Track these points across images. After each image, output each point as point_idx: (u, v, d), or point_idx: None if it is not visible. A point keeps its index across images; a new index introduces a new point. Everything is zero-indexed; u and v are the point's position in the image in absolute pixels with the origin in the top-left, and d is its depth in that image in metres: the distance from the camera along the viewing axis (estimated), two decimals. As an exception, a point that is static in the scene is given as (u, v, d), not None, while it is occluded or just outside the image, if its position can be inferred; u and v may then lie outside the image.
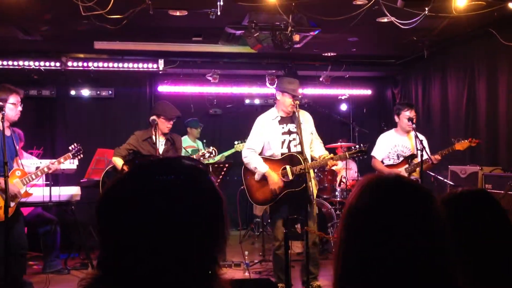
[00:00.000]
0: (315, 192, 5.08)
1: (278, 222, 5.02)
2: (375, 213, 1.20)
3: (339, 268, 1.24)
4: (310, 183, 4.80)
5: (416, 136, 5.52)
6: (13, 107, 4.69)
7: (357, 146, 5.14)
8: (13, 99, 4.70)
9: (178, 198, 1.04)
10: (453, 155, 5.82)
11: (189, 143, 8.05)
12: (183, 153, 6.62)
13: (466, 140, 5.63)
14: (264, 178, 5.01)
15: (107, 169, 5.94)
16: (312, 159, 5.12)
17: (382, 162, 5.96)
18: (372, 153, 6.02)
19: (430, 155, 5.46)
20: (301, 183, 4.87)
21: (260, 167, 5.00)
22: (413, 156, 5.74)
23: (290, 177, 4.94)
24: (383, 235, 1.17)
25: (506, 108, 6.29)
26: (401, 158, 5.83)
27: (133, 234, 1.02)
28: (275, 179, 4.94)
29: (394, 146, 5.90)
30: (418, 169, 5.59)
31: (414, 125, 5.66)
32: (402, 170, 5.66)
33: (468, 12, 5.28)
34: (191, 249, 1.03)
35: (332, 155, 5.01)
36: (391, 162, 5.90)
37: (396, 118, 5.95)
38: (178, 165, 1.10)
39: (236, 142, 7.55)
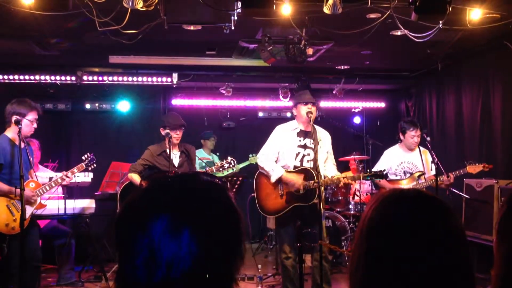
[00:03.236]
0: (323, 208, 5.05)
1: (284, 235, 5.04)
2: (395, 227, 1.19)
3: (357, 282, 1.23)
4: (320, 198, 4.80)
5: (430, 150, 5.49)
6: (29, 123, 4.75)
7: (374, 170, 5.15)
8: (32, 116, 4.77)
9: (195, 214, 1.05)
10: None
11: (203, 155, 8.10)
12: (197, 164, 6.66)
13: (479, 164, 5.61)
14: (277, 185, 5.01)
15: (124, 185, 5.97)
16: (324, 177, 5.12)
17: (386, 177, 5.93)
18: (374, 168, 5.99)
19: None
20: (311, 198, 4.89)
21: (277, 170, 5.01)
22: (421, 173, 5.72)
23: (302, 191, 4.93)
24: (403, 249, 1.16)
25: (522, 120, 6.24)
26: (408, 175, 5.80)
27: (150, 249, 1.02)
28: (294, 178, 4.93)
29: (401, 163, 5.87)
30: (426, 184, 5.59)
31: (428, 138, 5.63)
32: (406, 186, 5.62)
33: (482, 25, 5.25)
34: (208, 266, 1.03)
35: (346, 174, 5.01)
36: (397, 178, 5.86)
37: (401, 136, 5.93)
38: (196, 181, 1.11)
39: (250, 155, 7.57)
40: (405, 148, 5.92)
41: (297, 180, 4.91)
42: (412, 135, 5.79)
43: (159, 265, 1.01)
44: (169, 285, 1.01)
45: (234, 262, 1.08)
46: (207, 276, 1.03)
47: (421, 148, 5.85)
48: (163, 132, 5.60)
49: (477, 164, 5.63)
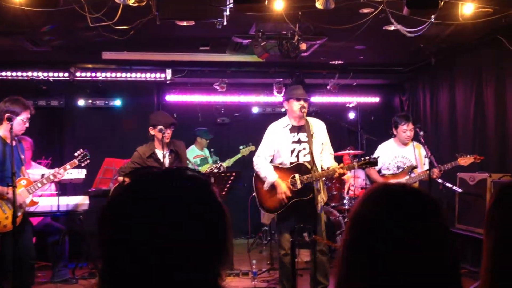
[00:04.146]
0: (323, 201, 5.07)
1: (284, 231, 5.04)
2: (379, 220, 1.20)
3: (341, 272, 1.24)
4: (318, 192, 4.81)
5: (423, 144, 5.50)
6: (21, 122, 4.73)
7: (367, 157, 4.98)
8: (24, 115, 4.75)
9: (178, 209, 1.04)
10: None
11: (197, 153, 8.05)
12: (190, 165, 6.58)
13: (470, 156, 5.63)
14: (273, 187, 5.01)
15: (117, 184, 5.92)
16: (321, 169, 5.12)
17: (379, 171, 5.94)
18: None
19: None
20: (309, 192, 4.88)
21: (269, 176, 5.01)
22: (413, 167, 5.73)
23: (299, 186, 4.93)
24: (388, 243, 1.17)
25: (515, 114, 6.25)
26: (401, 169, 5.81)
27: (133, 246, 1.02)
28: (283, 188, 4.94)
29: (395, 157, 5.89)
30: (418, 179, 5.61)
31: (422, 133, 5.65)
32: (397, 180, 5.64)
33: (475, 19, 5.26)
34: (192, 261, 1.02)
35: (341, 164, 5.02)
36: (390, 173, 5.88)
37: (394, 130, 5.95)
38: (179, 176, 1.10)
39: (241, 147, 7.56)
40: (399, 143, 5.94)
41: (284, 192, 4.91)
42: (404, 129, 5.80)
43: (143, 261, 1.01)
44: (153, 282, 1.01)
45: (219, 257, 1.07)
46: (191, 271, 1.02)
47: (415, 143, 5.87)
48: (153, 131, 5.34)
49: (468, 156, 5.65)
